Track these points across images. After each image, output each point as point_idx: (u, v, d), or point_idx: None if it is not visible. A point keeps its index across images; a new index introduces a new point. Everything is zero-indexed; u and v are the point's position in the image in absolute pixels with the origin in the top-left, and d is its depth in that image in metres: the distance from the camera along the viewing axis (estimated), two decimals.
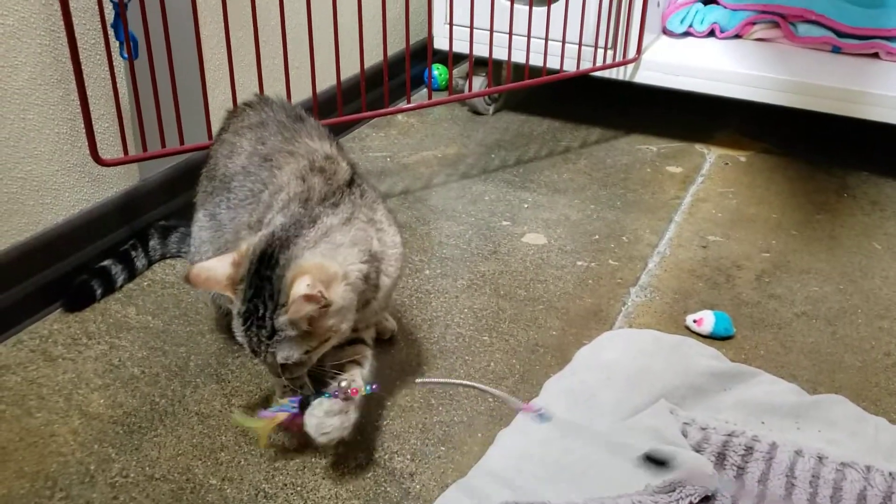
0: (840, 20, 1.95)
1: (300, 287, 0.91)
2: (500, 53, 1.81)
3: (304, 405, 1.01)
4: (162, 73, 1.32)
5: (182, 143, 1.39)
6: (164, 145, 1.38)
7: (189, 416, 1.15)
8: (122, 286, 1.40)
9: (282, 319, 0.94)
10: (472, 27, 1.72)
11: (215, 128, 1.45)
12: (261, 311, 0.95)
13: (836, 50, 1.95)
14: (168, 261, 1.47)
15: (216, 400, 1.18)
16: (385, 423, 1.15)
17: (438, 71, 2.12)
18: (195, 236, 1.22)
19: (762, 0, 2.03)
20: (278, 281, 0.94)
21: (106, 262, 1.38)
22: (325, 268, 0.95)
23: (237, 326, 0.98)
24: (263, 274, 0.95)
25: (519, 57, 1.81)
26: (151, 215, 1.48)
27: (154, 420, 1.14)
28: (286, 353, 0.96)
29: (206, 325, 1.32)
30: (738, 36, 2.03)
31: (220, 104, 1.55)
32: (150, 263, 1.45)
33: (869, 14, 1.97)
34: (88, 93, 1.27)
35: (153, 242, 1.45)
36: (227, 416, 1.15)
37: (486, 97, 2.05)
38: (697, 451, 1.06)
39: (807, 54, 1.95)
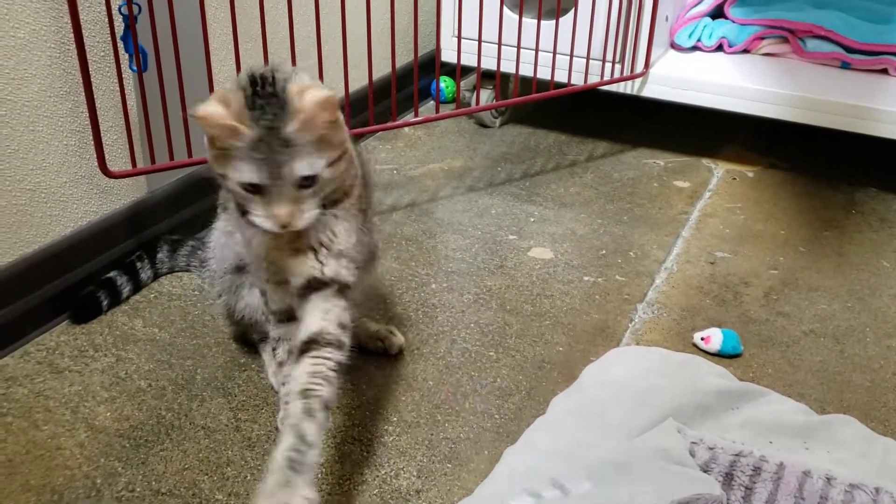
0: (849, 36, 1.95)
1: (311, 94, 0.90)
2: (507, 67, 1.81)
3: None
4: (171, 86, 1.33)
5: (190, 155, 1.39)
6: (172, 158, 1.38)
7: (195, 430, 1.15)
8: (127, 298, 1.40)
9: (294, 127, 0.90)
10: (480, 40, 1.73)
11: None
12: (273, 125, 0.90)
13: (845, 65, 1.95)
14: (175, 273, 1.47)
15: (223, 414, 1.18)
16: (391, 439, 1.14)
17: (446, 83, 2.13)
18: (214, 238, 1.22)
19: (771, 15, 2.03)
20: (283, 94, 0.91)
21: (112, 274, 1.38)
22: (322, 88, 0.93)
23: (250, 157, 0.91)
24: (264, 93, 0.92)
25: (527, 70, 1.81)
26: (159, 227, 1.48)
27: (160, 434, 1.14)
28: (307, 162, 0.92)
29: (213, 337, 1.32)
30: (746, 51, 2.02)
31: None
32: (157, 276, 1.45)
33: (878, 30, 1.97)
34: (97, 105, 1.27)
35: (161, 255, 1.45)
36: (233, 431, 1.15)
37: (493, 110, 2.06)
38: (705, 471, 1.05)
39: (815, 70, 1.95)
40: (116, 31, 1.26)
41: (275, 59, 1.04)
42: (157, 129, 1.35)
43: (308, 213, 0.95)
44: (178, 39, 1.30)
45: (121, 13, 1.26)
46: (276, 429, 1.14)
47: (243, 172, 0.92)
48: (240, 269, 1.19)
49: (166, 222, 1.50)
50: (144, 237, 1.46)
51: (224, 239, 1.19)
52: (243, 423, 1.16)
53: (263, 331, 1.22)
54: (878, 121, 1.74)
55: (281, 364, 1.17)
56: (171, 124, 1.35)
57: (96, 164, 1.31)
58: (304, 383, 0.96)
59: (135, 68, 1.29)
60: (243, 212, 0.99)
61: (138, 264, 1.42)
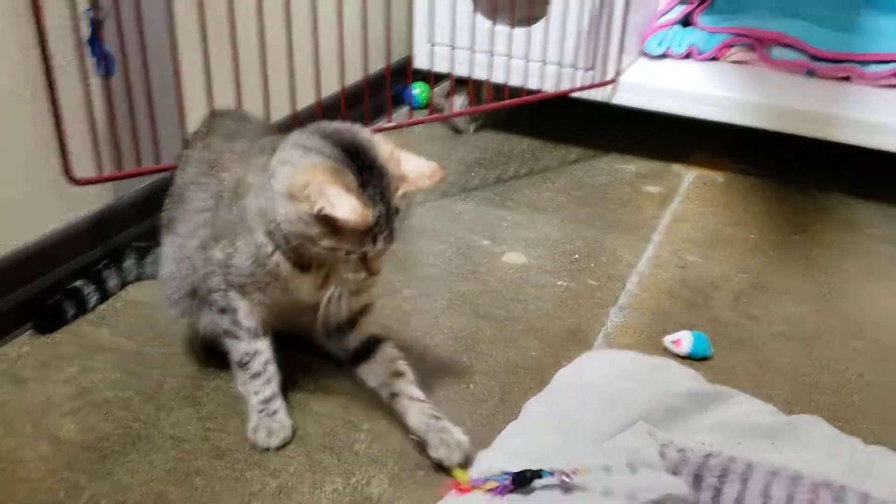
0: (813, 44, 1.98)
1: (412, 163, 1.00)
2: (480, 73, 1.81)
3: (519, 482, 1.00)
4: (138, 90, 1.31)
5: (158, 161, 1.38)
6: (139, 164, 1.37)
7: (163, 441, 1.13)
8: (94, 307, 1.37)
9: (400, 195, 1.00)
10: (452, 47, 1.73)
11: None
12: (385, 198, 0.99)
13: (810, 73, 1.98)
14: (143, 281, 1.45)
15: (191, 423, 1.16)
16: (363, 447, 1.13)
17: (419, 89, 2.12)
18: (164, 254, 1.22)
19: (739, 23, 2.06)
20: (379, 164, 0.99)
21: (78, 283, 1.36)
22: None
23: (370, 232, 0.99)
24: (364, 166, 0.98)
25: (500, 77, 1.81)
26: (126, 235, 1.46)
27: (127, 445, 1.12)
28: (405, 224, 1.03)
29: (181, 346, 1.30)
30: (714, 58, 2.05)
31: (198, 122, 1.54)
32: (124, 284, 1.43)
33: (842, 38, 2.00)
34: (62, 110, 1.25)
35: (128, 263, 1.43)
36: (201, 441, 1.13)
37: (467, 116, 2.06)
38: (675, 473, 1.05)
39: (781, 77, 1.98)
40: (82, 35, 1.24)
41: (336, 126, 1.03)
42: (123, 134, 1.33)
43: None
44: (145, 43, 1.29)
45: (87, 17, 1.24)
46: (245, 439, 1.13)
47: (362, 246, 1.00)
48: (193, 292, 1.18)
49: (134, 229, 1.48)
50: (111, 245, 1.44)
51: (176, 267, 1.19)
52: (212, 432, 1.15)
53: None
54: (842, 127, 1.77)
55: (256, 375, 1.16)
56: (139, 129, 1.33)
57: (61, 170, 1.29)
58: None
59: (101, 73, 1.27)
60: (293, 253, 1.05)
61: (105, 273, 1.40)
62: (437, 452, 1.08)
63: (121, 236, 1.46)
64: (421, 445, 1.10)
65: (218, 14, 1.44)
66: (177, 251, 1.19)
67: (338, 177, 0.96)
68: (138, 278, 1.45)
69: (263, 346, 1.15)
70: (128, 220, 1.47)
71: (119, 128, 1.33)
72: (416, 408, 1.12)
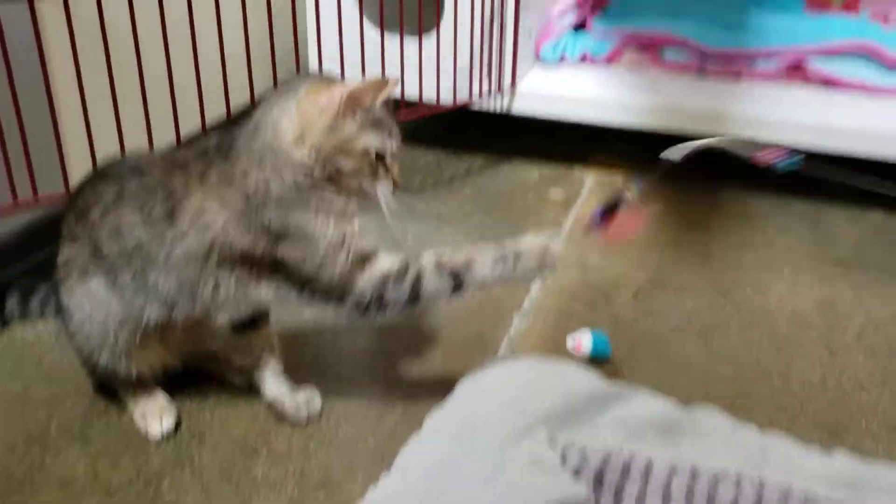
0: (704, 42, 2.03)
1: None
2: None
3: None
4: (8, 121, 1.26)
5: (35, 195, 1.33)
6: (15, 198, 1.31)
7: (49, 484, 1.08)
8: None
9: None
10: (342, 62, 1.72)
11: (73, 176, 1.40)
12: None
13: (702, 72, 2.03)
14: (28, 319, 1.39)
15: (80, 463, 1.11)
16: (260, 472, 1.10)
17: None
18: (83, 304, 1.13)
19: (630, 26, 2.10)
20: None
21: None
22: None
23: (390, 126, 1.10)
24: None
25: (395, 92, 1.80)
26: (6, 273, 1.40)
27: (10, 491, 1.06)
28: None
29: (71, 384, 1.25)
30: (609, 62, 2.08)
31: (77, 152, 1.48)
32: (6, 324, 1.37)
33: (731, 36, 2.06)
34: None
35: (11, 303, 1.37)
36: (91, 480, 1.08)
37: None
38: (576, 474, 1.05)
39: (673, 78, 2.02)
40: None
41: None
42: None
43: None
44: (12, 74, 1.24)
45: None
46: (138, 474, 1.09)
47: (383, 141, 1.07)
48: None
49: (15, 267, 1.42)
50: None
51: (93, 302, 1.12)
52: (102, 470, 1.10)
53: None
54: (734, 123, 1.82)
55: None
56: (12, 161, 1.28)
57: None
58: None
59: None
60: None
61: None
62: (287, 411, 1.19)
63: (2, 274, 1.40)
64: (275, 408, 1.20)
65: (94, 40, 1.40)
66: (123, 301, 1.11)
67: (336, 81, 1.07)
68: (23, 317, 1.38)
69: (429, 253, 1.12)
70: (8, 257, 1.41)
71: None
72: (276, 382, 1.20)
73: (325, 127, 1.04)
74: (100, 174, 1.14)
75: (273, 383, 1.20)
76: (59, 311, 1.19)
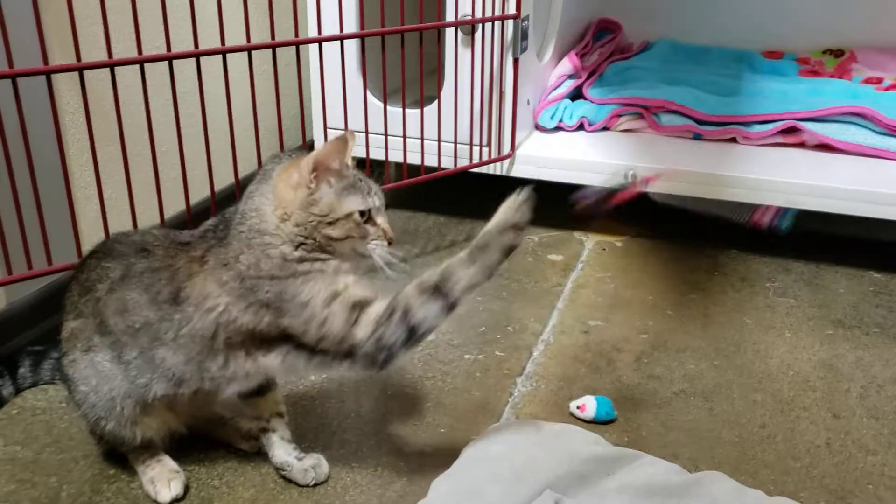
0: (699, 109, 2.08)
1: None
2: (378, 154, 1.85)
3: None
4: (25, 194, 1.30)
5: (50, 263, 1.36)
6: (30, 267, 1.34)
7: None
8: None
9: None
10: (346, 130, 1.76)
11: (85, 245, 1.43)
12: None
13: (697, 136, 2.08)
14: (40, 386, 1.41)
15: None
16: None
17: None
18: (88, 377, 1.14)
19: (626, 94, 2.16)
20: None
21: None
22: None
23: (367, 187, 1.13)
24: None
25: (397, 157, 1.86)
26: (20, 340, 1.42)
27: None
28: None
29: (81, 451, 1.26)
30: (606, 128, 2.14)
31: (90, 221, 1.52)
32: (19, 391, 1.38)
33: (725, 102, 2.12)
34: None
35: (23, 370, 1.39)
36: None
37: None
38: None
39: (670, 142, 2.07)
40: None
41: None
42: (12, 238, 1.31)
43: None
44: (30, 147, 1.28)
45: None
46: None
47: (365, 202, 1.10)
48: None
49: (28, 333, 1.44)
50: (4, 351, 1.40)
51: (99, 375, 1.13)
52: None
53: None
54: (730, 186, 1.86)
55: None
56: (28, 233, 1.31)
57: None
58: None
59: None
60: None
61: None
62: (295, 476, 1.21)
63: (15, 341, 1.42)
64: (284, 472, 1.22)
65: (107, 113, 1.44)
66: (129, 376, 1.12)
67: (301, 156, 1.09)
68: (35, 384, 1.40)
69: (409, 284, 1.11)
70: (21, 324, 1.43)
71: (7, 232, 1.30)
72: (285, 447, 1.22)
73: (303, 202, 1.08)
74: (105, 250, 1.17)
75: (281, 448, 1.22)
76: (64, 380, 1.20)
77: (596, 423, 1.33)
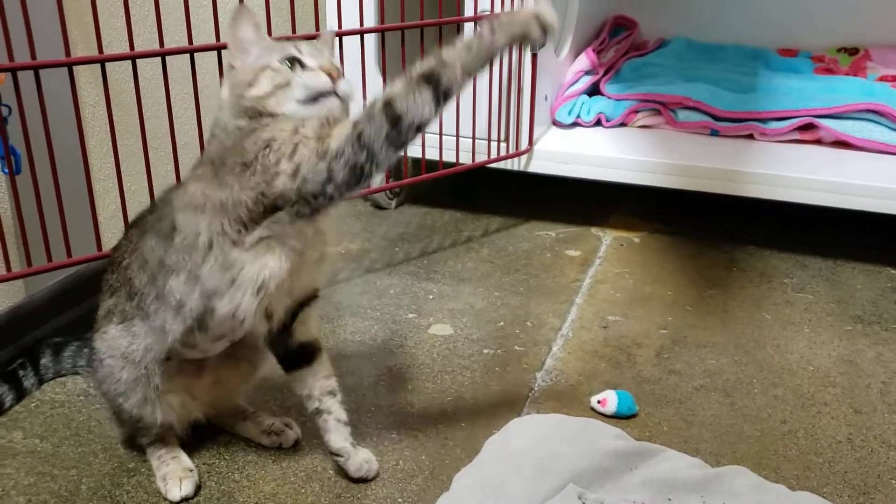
0: (716, 105, 2.08)
1: None
2: None
3: None
4: (46, 186, 1.30)
5: (70, 255, 1.36)
6: (50, 259, 1.34)
7: None
8: (10, 407, 1.33)
9: None
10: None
11: (105, 237, 1.43)
12: None
13: (714, 133, 2.07)
14: (58, 378, 1.41)
15: None
16: None
17: None
18: (115, 345, 1.14)
19: (643, 90, 2.15)
20: None
21: None
22: None
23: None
24: None
25: (416, 152, 1.85)
26: (41, 331, 1.42)
27: None
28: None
29: (100, 444, 1.26)
30: (623, 124, 2.13)
31: (110, 213, 1.53)
32: (41, 382, 1.38)
33: (742, 99, 2.11)
34: None
35: (45, 360, 1.39)
36: None
37: (388, 191, 2.09)
38: None
39: (687, 138, 2.06)
40: None
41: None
42: (32, 231, 1.31)
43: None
44: (51, 138, 1.28)
45: None
46: None
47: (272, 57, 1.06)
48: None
49: (48, 325, 1.44)
50: (25, 343, 1.40)
51: (129, 337, 1.13)
52: None
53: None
54: (748, 182, 1.85)
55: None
56: (48, 225, 1.31)
57: None
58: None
59: (6, 171, 1.26)
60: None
61: (21, 372, 1.36)
62: (349, 465, 1.18)
63: (35, 333, 1.42)
64: (338, 459, 1.19)
65: (127, 106, 1.45)
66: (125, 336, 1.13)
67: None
68: (57, 374, 1.41)
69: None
70: (42, 316, 1.43)
71: (27, 224, 1.30)
72: (341, 431, 1.18)
73: (229, 87, 1.08)
74: (134, 223, 1.20)
75: (338, 433, 1.18)
76: (90, 362, 1.21)
77: (617, 418, 1.32)
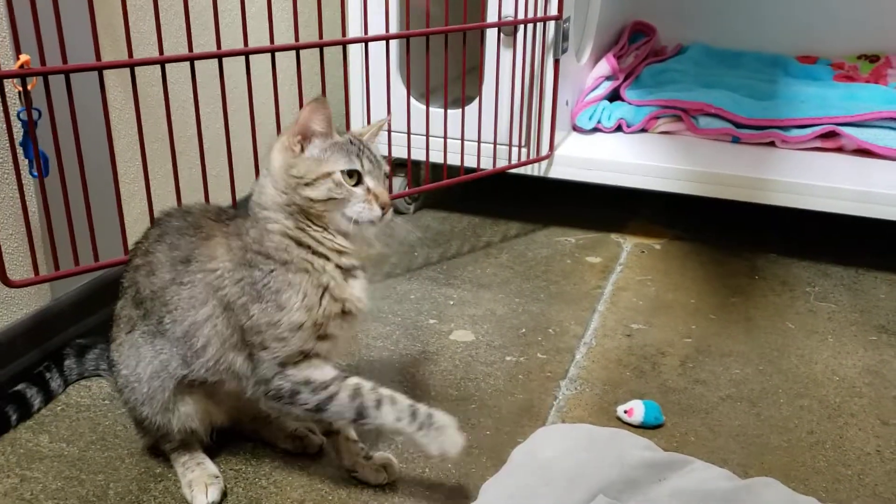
0: (737, 112, 2.07)
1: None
2: (418, 154, 1.85)
3: None
4: (74, 190, 1.30)
5: (97, 259, 1.36)
6: (77, 263, 1.34)
7: None
8: (38, 410, 1.33)
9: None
10: (389, 130, 1.76)
11: (131, 241, 1.43)
12: None
13: (736, 140, 2.07)
14: (83, 382, 1.41)
15: None
16: None
17: None
18: (128, 359, 1.16)
19: (664, 96, 2.15)
20: None
21: (20, 386, 1.32)
22: None
23: (358, 149, 1.13)
24: None
25: (437, 157, 1.85)
26: (67, 334, 1.43)
27: None
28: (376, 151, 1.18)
29: (126, 448, 1.26)
30: (643, 130, 2.12)
31: (136, 217, 1.53)
32: (67, 384, 1.39)
33: (763, 106, 2.11)
34: None
35: (69, 362, 1.39)
36: None
37: (407, 197, 2.08)
38: None
39: (709, 145, 2.06)
40: (15, 136, 1.23)
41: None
42: (60, 234, 1.31)
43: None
44: (80, 142, 1.28)
45: (20, 118, 1.23)
46: None
47: (351, 162, 1.09)
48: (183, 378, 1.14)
49: (73, 329, 1.44)
50: (51, 346, 1.40)
51: (136, 354, 1.15)
52: None
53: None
54: (769, 190, 1.84)
55: (380, 403, 1.12)
56: (76, 228, 1.31)
57: None
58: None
59: (35, 174, 1.26)
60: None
61: (47, 374, 1.36)
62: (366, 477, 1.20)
63: (61, 336, 1.42)
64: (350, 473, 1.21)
65: (154, 109, 1.44)
66: (155, 350, 1.14)
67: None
68: (81, 376, 1.41)
69: (356, 379, 1.11)
70: (67, 319, 1.43)
71: (56, 228, 1.30)
72: (351, 449, 1.20)
73: (285, 164, 1.09)
74: (156, 222, 1.20)
75: (349, 454, 1.21)
76: (110, 368, 1.22)
77: (644, 428, 1.32)
